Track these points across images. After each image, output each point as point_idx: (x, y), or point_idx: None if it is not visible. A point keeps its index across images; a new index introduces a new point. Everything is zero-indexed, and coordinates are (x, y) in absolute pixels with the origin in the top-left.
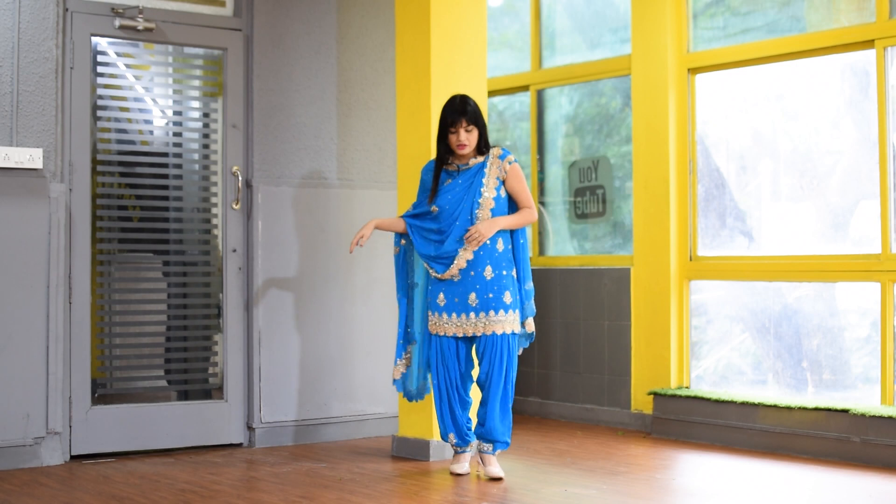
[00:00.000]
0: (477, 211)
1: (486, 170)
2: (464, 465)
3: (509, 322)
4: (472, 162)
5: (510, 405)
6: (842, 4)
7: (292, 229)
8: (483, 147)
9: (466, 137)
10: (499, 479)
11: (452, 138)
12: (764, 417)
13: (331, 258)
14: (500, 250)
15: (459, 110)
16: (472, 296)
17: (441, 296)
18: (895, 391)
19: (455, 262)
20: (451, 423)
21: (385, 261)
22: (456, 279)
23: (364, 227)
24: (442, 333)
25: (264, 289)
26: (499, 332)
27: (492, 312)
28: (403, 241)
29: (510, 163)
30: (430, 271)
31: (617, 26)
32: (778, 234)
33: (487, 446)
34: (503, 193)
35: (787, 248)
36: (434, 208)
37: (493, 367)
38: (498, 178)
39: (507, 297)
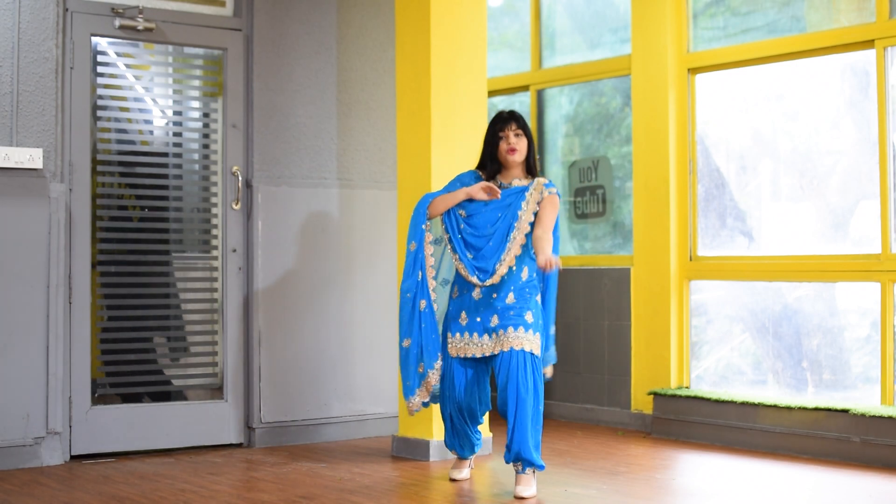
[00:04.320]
0: (513, 233)
1: (527, 193)
2: (463, 472)
3: (530, 341)
4: (516, 183)
5: (540, 426)
6: (842, 4)
7: (292, 229)
8: (531, 167)
9: (516, 142)
10: (524, 499)
11: (503, 145)
12: (764, 417)
13: (331, 258)
14: (524, 279)
15: (507, 116)
16: (495, 318)
17: (463, 314)
18: (895, 391)
19: (488, 280)
20: (458, 443)
21: (385, 261)
22: (477, 298)
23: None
24: (462, 355)
25: (264, 289)
26: (517, 347)
27: (511, 329)
28: (429, 232)
29: (550, 192)
30: (464, 274)
31: (617, 26)
32: (778, 234)
33: (517, 465)
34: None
35: (787, 248)
36: (462, 212)
37: (518, 383)
38: (538, 203)
39: (530, 317)
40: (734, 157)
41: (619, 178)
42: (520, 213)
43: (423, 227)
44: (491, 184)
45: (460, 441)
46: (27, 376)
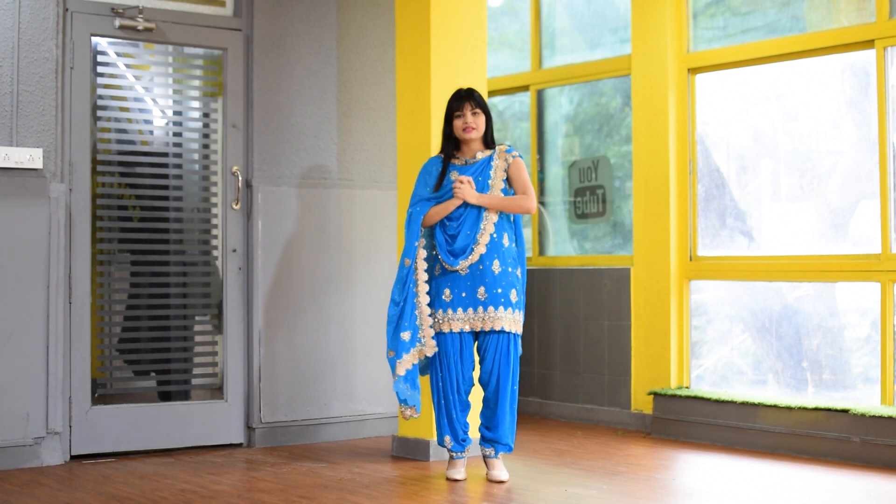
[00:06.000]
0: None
1: (493, 163)
2: (460, 471)
3: (514, 321)
4: (480, 156)
5: (516, 408)
6: (842, 4)
7: (292, 229)
8: (489, 141)
9: (473, 120)
10: (502, 482)
11: (458, 122)
12: (764, 417)
13: (331, 258)
14: (506, 246)
15: (465, 95)
16: (482, 289)
17: (447, 291)
18: (895, 391)
19: (469, 256)
20: (448, 425)
21: (385, 261)
22: (463, 273)
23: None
24: (447, 330)
25: (264, 289)
26: (507, 328)
27: (501, 308)
28: (423, 248)
29: (514, 157)
30: (444, 264)
31: (617, 26)
32: (778, 234)
33: (490, 450)
34: (510, 188)
35: (787, 248)
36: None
37: (501, 366)
38: (505, 171)
39: (514, 296)
40: (734, 157)
41: (619, 178)
42: (490, 182)
43: (417, 243)
44: (455, 181)
45: (450, 424)
46: (27, 376)
